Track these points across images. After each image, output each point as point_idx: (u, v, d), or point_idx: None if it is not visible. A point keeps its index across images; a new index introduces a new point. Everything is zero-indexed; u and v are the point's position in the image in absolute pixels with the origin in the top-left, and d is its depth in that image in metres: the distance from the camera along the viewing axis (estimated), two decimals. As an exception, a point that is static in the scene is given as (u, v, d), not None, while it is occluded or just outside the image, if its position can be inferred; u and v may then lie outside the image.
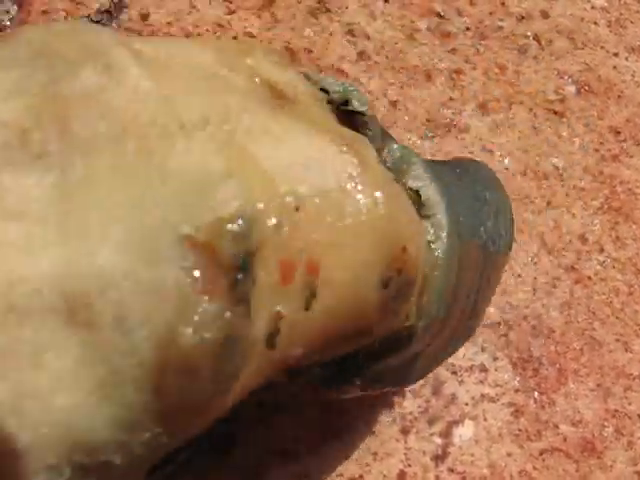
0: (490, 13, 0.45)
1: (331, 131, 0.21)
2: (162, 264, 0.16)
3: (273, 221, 0.18)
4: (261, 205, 0.18)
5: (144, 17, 0.39)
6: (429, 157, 0.39)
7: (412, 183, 0.24)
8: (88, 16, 0.35)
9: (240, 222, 0.17)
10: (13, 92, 0.17)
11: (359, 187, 0.20)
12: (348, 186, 0.20)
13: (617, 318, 0.38)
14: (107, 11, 0.36)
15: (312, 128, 0.21)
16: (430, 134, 0.40)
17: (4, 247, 0.16)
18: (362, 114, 0.24)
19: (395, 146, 0.24)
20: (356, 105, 0.24)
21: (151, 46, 0.20)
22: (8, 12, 0.35)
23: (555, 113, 0.43)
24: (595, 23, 0.46)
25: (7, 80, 0.17)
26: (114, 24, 0.36)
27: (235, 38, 0.40)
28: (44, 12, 0.37)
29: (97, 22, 0.35)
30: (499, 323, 0.36)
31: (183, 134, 0.18)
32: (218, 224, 0.17)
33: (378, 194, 0.20)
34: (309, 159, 0.20)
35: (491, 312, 0.36)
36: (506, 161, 0.40)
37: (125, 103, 0.18)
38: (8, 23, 0.35)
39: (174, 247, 0.16)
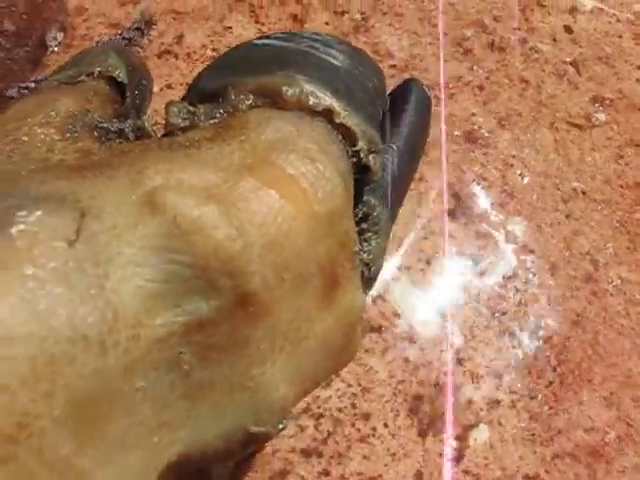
0: (514, 28, 0.46)
1: None
2: None
3: None
4: None
5: (179, 39, 0.41)
6: (449, 172, 0.41)
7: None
8: (121, 34, 0.38)
9: None
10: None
11: None
12: None
13: (632, 329, 0.39)
14: (137, 28, 0.38)
15: None
16: (454, 147, 0.41)
17: None
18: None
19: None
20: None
21: None
22: (55, 38, 0.38)
23: (576, 127, 0.44)
24: (620, 37, 0.47)
25: None
26: (145, 39, 0.39)
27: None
28: (85, 36, 0.39)
29: (129, 39, 0.38)
30: (515, 332, 0.38)
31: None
32: None
33: None
34: None
35: (508, 320, 0.38)
36: (526, 174, 0.42)
37: None
38: (56, 49, 0.38)
39: None
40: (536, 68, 0.45)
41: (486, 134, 0.42)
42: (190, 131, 0.26)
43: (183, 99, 0.28)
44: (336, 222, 0.24)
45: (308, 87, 0.26)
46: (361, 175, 0.28)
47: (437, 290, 0.38)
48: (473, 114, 0.43)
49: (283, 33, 0.31)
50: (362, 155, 0.27)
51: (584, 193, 0.42)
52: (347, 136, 0.27)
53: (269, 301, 0.22)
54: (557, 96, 0.44)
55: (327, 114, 0.26)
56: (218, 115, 0.26)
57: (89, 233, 0.20)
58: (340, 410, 0.35)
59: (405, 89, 0.34)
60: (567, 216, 0.41)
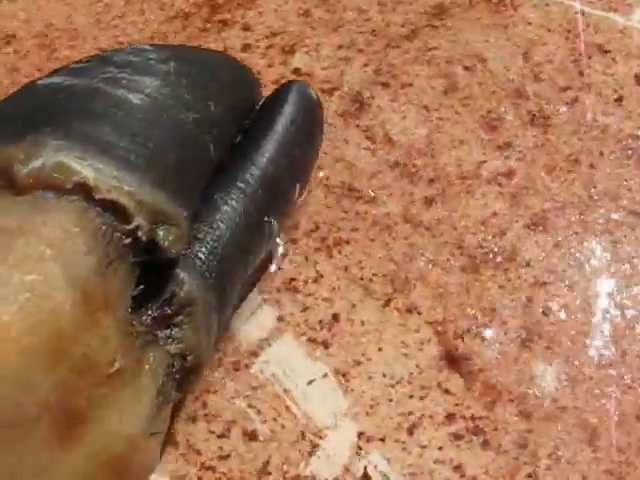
0: (563, 88, 0.35)
1: None
2: None
3: None
4: None
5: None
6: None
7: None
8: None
9: None
10: None
11: None
12: None
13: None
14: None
15: None
16: (457, 263, 0.32)
17: None
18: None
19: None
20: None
21: None
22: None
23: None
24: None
25: None
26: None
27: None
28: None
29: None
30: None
31: None
32: None
33: None
34: None
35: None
36: (555, 305, 0.32)
37: None
38: None
39: None
40: (591, 145, 0.34)
41: (506, 246, 0.33)
42: None
43: None
44: (65, 348, 0.20)
45: (54, 158, 0.21)
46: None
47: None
48: (494, 213, 0.33)
49: (89, 59, 0.25)
50: (140, 233, 0.21)
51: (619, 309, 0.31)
52: (119, 211, 0.21)
53: None
54: (616, 182, 0.33)
55: (84, 188, 0.21)
56: None
57: None
58: None
59: (282, 94, 0.28)
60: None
